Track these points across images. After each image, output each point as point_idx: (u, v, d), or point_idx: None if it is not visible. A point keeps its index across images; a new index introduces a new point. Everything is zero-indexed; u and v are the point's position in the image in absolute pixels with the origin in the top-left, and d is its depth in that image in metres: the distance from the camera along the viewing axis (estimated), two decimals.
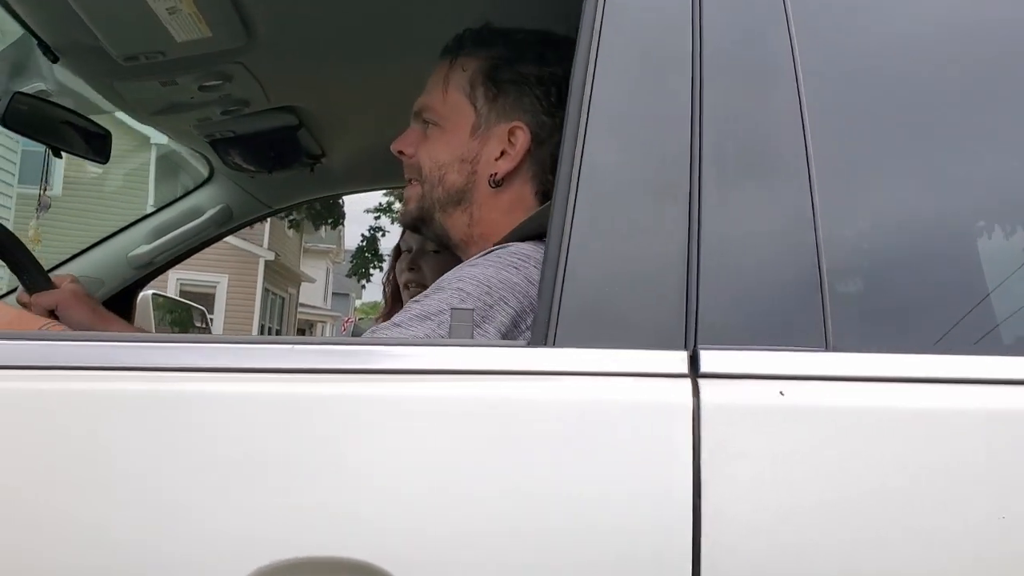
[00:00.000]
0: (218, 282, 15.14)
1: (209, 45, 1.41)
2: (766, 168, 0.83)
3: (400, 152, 1.21)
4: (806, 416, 0.75)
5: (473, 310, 0.84)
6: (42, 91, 1.61)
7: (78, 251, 2.16)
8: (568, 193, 0.82)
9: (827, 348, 0.77)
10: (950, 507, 0.73)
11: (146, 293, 2.25)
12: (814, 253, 0.79)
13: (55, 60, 1.42)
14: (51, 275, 1.47)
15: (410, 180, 1.22)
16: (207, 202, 2.20)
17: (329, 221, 13.28)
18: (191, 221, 2.18)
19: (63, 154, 1.66)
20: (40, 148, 1.69)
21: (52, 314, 1.37)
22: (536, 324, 0.81)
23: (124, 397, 0.79)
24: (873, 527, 0.73)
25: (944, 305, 0.84)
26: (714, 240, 0.80)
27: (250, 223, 2.34)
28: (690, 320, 0.78)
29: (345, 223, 15.92)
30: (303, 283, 20.85)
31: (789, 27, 0.86)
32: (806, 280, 0.79)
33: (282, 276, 17.97)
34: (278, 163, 1.97)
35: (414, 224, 1.23)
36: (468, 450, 0.76)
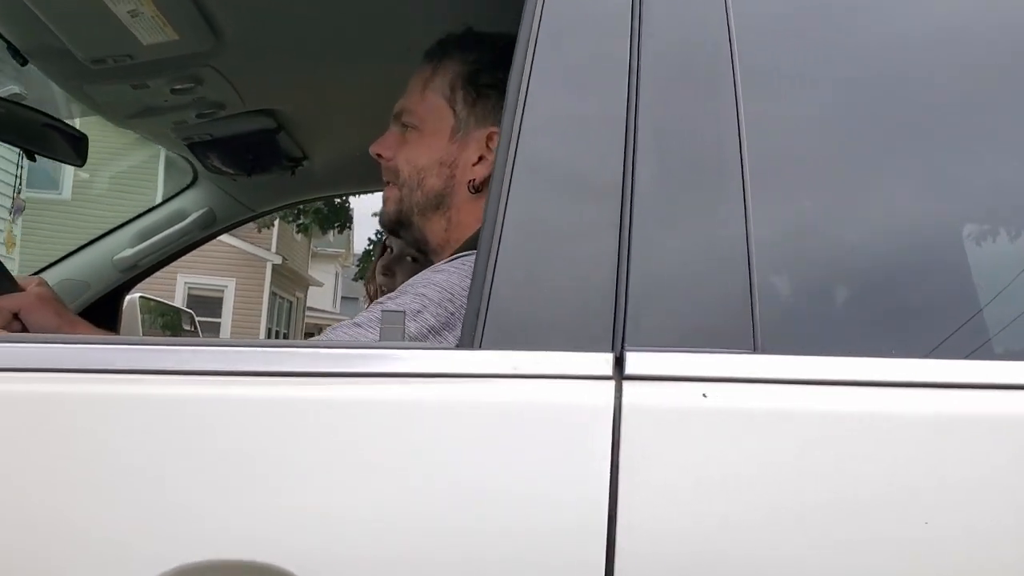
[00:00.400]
0: (226, 286, 15.18)
1: (177, 48, 1.41)
2: (699, 171, 0.82)
3: (378, 155, 1.21)
4: (729, 418, 0.74)
5: (404, 312, 0.84)
6: (16, 94, 1.61)
7: (63, 255, 2.18)
8: (500, 193, 0.82)
9: (755, 350, 0.77)
10: (878, 513, 0.72)
11: (133, 296, 2.26)
12: (745, 256, 0.79)
13: (24, 63, 1.43)
14: (21, 279, 1.47)
15: (388, 183, 1.21)
16: (191, 205, 2.21)
17: (337, 225, 13.25)
18: (175, 224, 2.19)
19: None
20: None
21: (17, 318, 1.37)
22: (465, 326, 0.81)
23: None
24: (795, 535, 0.72)
25: (873, 308, 0.84)
26: (645, 242, 0.80)
27: (233, 227, 2.35)
28: (618, 322, 0.78)
29: (354, 227, 15.90)
30: (311, 287, 20.87)
31: (730, 31, 0.85)
32: (736, 283, 0.78)
33: (290, 280, 17.99)
34: (257, 166, 1.97)
35: (392, 227, 1.22)
36: (394, 452, 0.75)
